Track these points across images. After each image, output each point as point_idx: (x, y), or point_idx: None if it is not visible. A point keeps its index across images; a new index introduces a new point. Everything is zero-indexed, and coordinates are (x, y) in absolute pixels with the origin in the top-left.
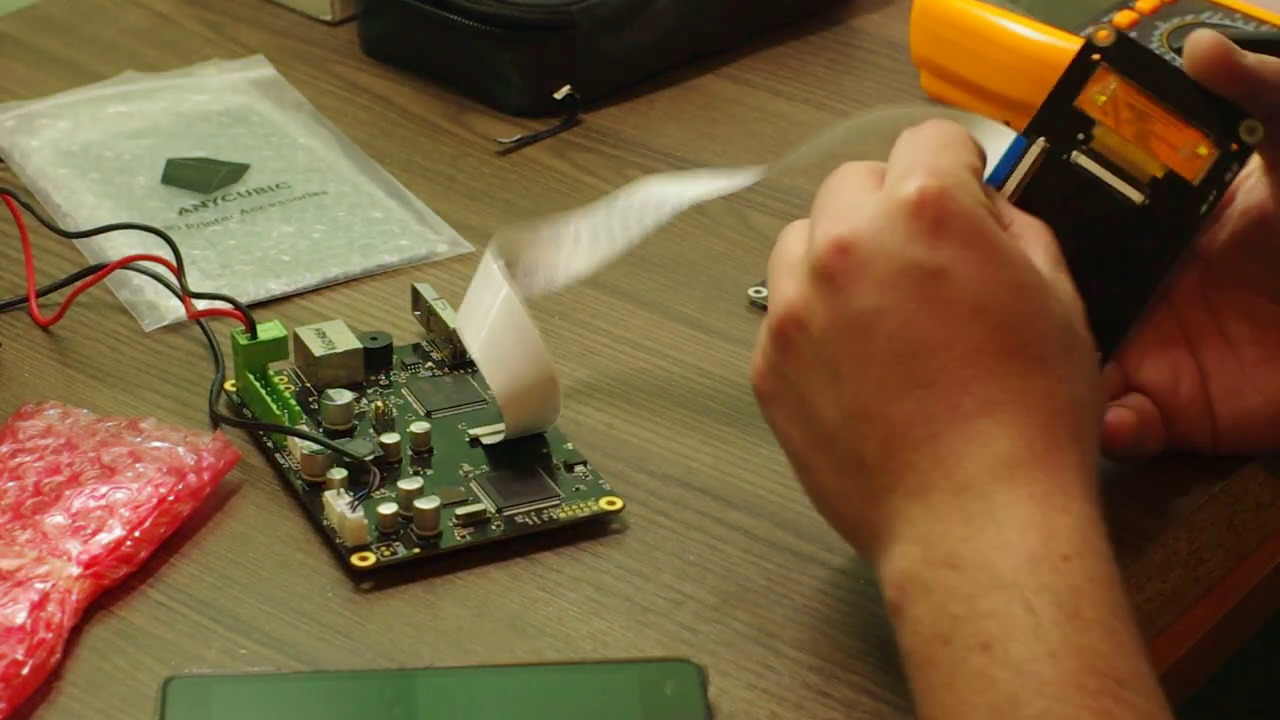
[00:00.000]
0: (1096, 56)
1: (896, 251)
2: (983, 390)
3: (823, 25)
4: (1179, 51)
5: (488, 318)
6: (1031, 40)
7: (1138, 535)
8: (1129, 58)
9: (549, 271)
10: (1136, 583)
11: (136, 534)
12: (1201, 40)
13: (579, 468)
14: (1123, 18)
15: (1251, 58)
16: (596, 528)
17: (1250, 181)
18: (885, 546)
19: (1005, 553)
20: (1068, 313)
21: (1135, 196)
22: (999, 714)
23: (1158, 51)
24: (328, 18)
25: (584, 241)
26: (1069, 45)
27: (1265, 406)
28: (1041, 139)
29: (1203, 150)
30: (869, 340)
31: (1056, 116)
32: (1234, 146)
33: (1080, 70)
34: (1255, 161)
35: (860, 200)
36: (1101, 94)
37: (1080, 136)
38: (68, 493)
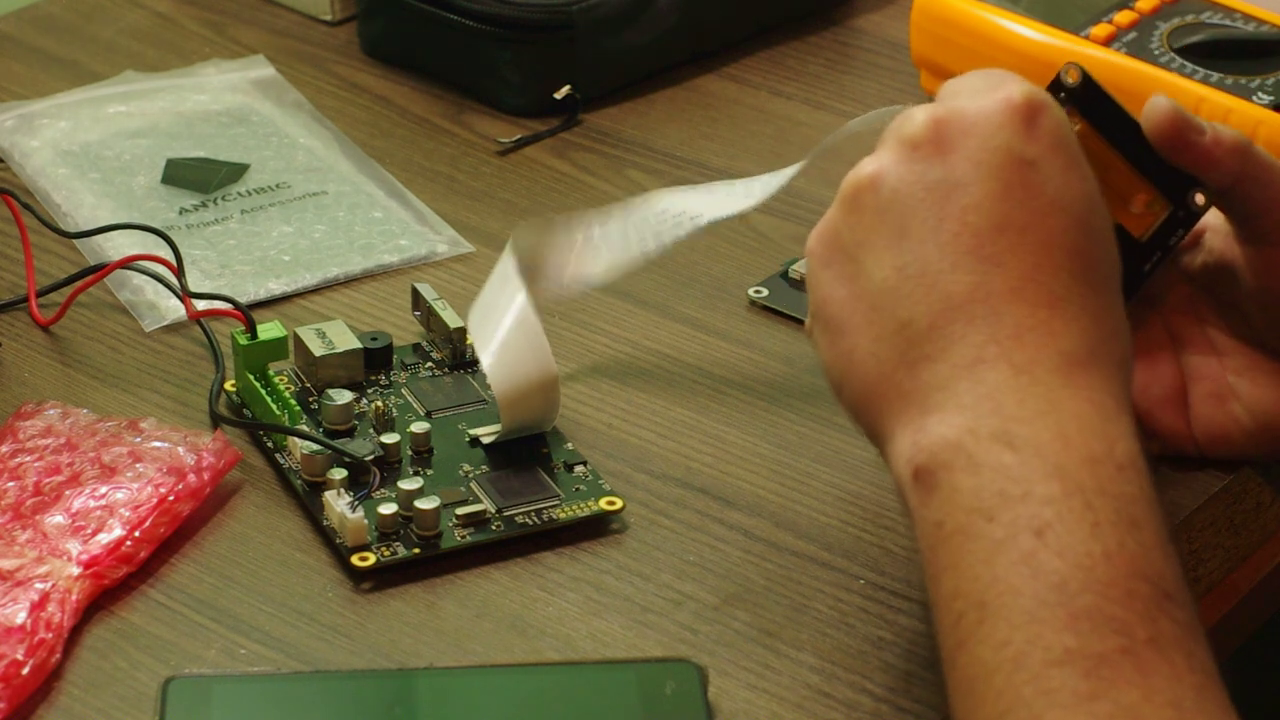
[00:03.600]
0: (1062, 95)
1: (990, 134)
2: (1051, 282)
3: (823, 25)
4: (1179, 51)
5: (502, 321)
6: (1031, 40)
7: None
8: (1094, 103)
9: (567, 277)
10: None
11: (136, 534)
12: (1158, 109)
13: (579, 468)
14: (1123, 18)
15: (1208, 134)
16: (596, 528)
17: (1217, 223)
18: (916, 415)
19: (1065, 446)
20: (1117, 254)
21: None
22: (1043, 602)
23: (1160, 54)
24: (328, 18)
25: (604, 252)
26: (1069, 45)
27: (1246, 414)
28: None
29: (1153, 208)
30: (944, 206)
31: None
32: (1181, 213)
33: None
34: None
35: (946, 100)
36: None
37: None
38: (68, 493)
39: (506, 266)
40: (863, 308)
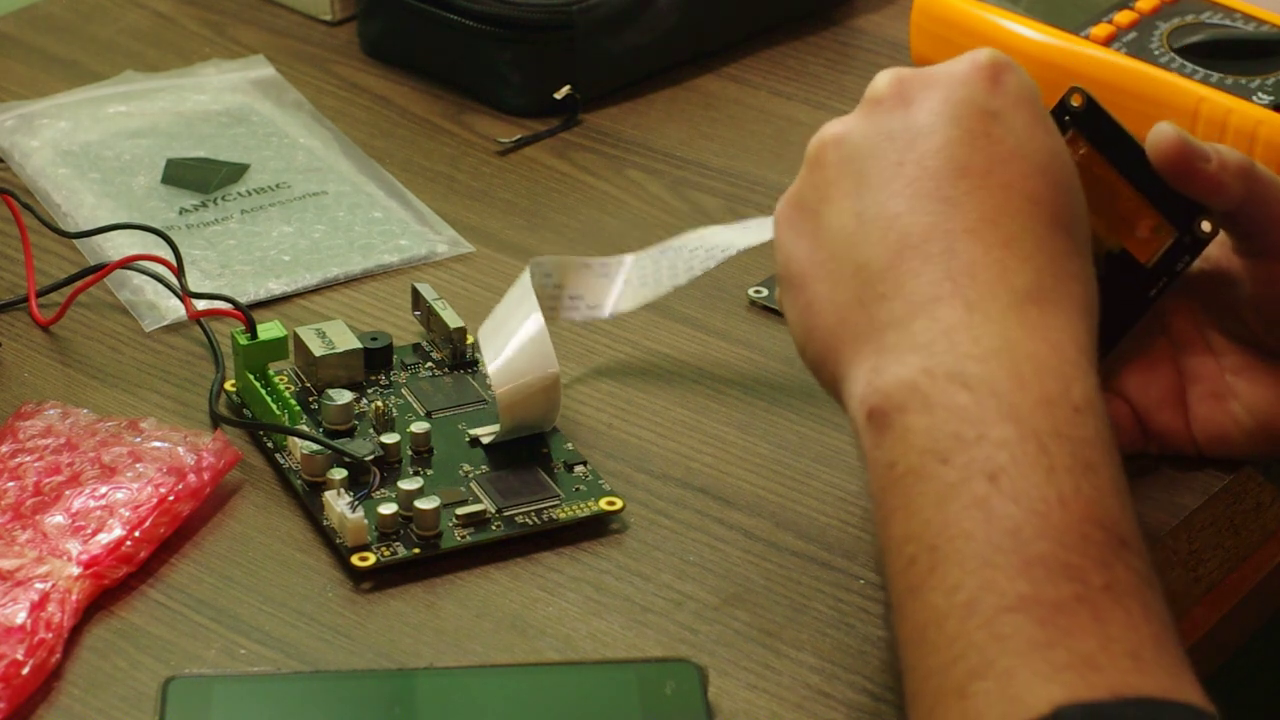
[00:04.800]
0: (1067, 118)
1: (955, 87)
2: (1009, 223)
3: (823, 25)
4: (1179, 51)
5: (514, 335)
6: (1031, 40)
7: None
8: (1099, 128)
9: (595, 303)
10: None
11: (136, 534)
12: (1163, 137)
13: (579, 468)
14: (1123, 18)
15: (1213, 161)
16: (596, 528)
17: (1221, 235)
18: (871, 356)
19: (1020, 387)
20: (1086, 216)
21: None
22: (996, 548)
23: (1160, 54)
24: (328, 18)
25: (634, 282)
26: (1069, 45)
27: (1245, 413)
28: None
29: (1160, 233)
30: (905, 152)
31: None
32: (1188, 239)
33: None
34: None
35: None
36: (1072, 155)
37: None
38: (68, 493)
39: (523, 289)
40: (822, 257)
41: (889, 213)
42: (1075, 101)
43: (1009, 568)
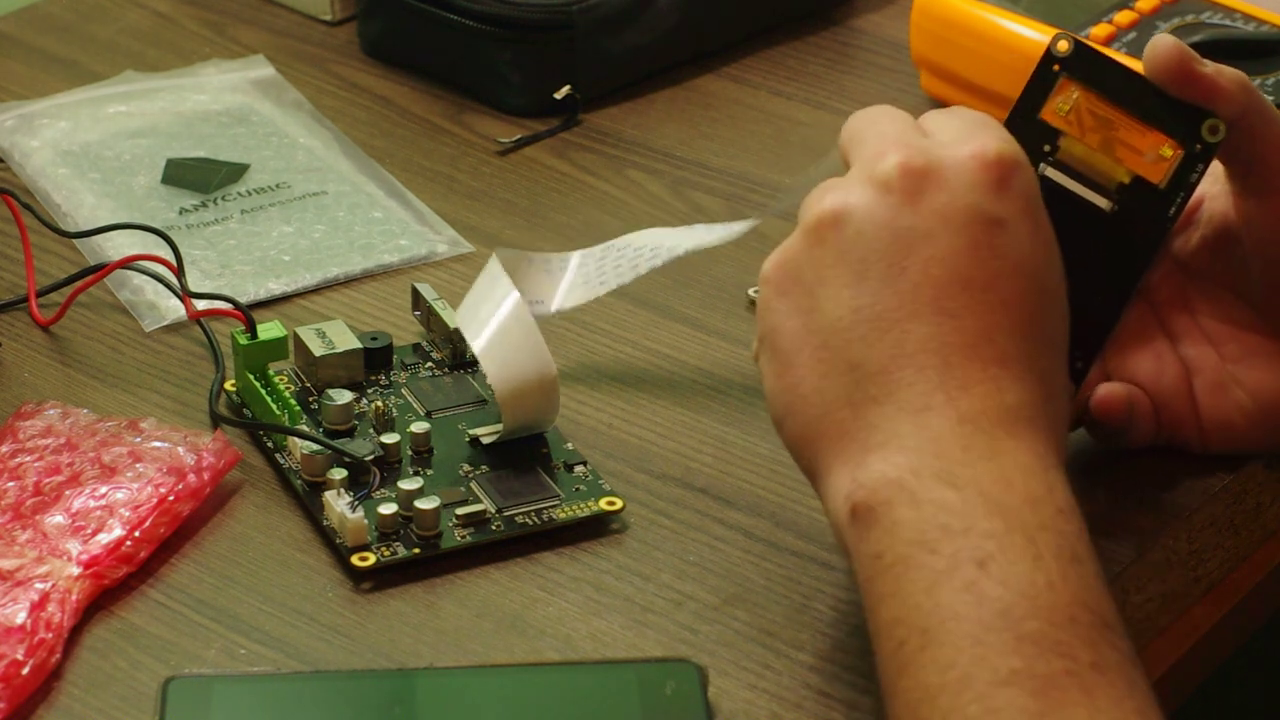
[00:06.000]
0: (1057, 67)
1: (962, 191)
2: (1005, 341)
3: (823, 25)
4: None
5: (493, 317)
6: (1032, 40)
7: (1138, 535)
8: (1089, 66)
9: (541, 299)
10: (1136, 583)
11: (136, 534)
12: (1161, 47)
13: (579, 468)
14: (1123, 17)
15: (1210, 66)
16: (596, 528)
17: (1215, 189)
18: (856, 453)
19: (1007, 488)
20: (1067, 321)
21: (1104, 204)
22: (988, 627)
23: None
24: (328, 18)
25: (578, 281)
26: None
27: (1249, 402)
28: None
29: (1167, 152)
30: (908, 255)
31: (1022, 130)
32: (1198, 147)
33: (1042, 82)
34: (1219, 169)
35: (922, 140)
36: (1065, 104)
37: (1046, 149)
38: (68, 493)
39: (495, 271)
40: (814, 343)
41: (888, 317)
42: (1061, 48)
43: (1001, 645)
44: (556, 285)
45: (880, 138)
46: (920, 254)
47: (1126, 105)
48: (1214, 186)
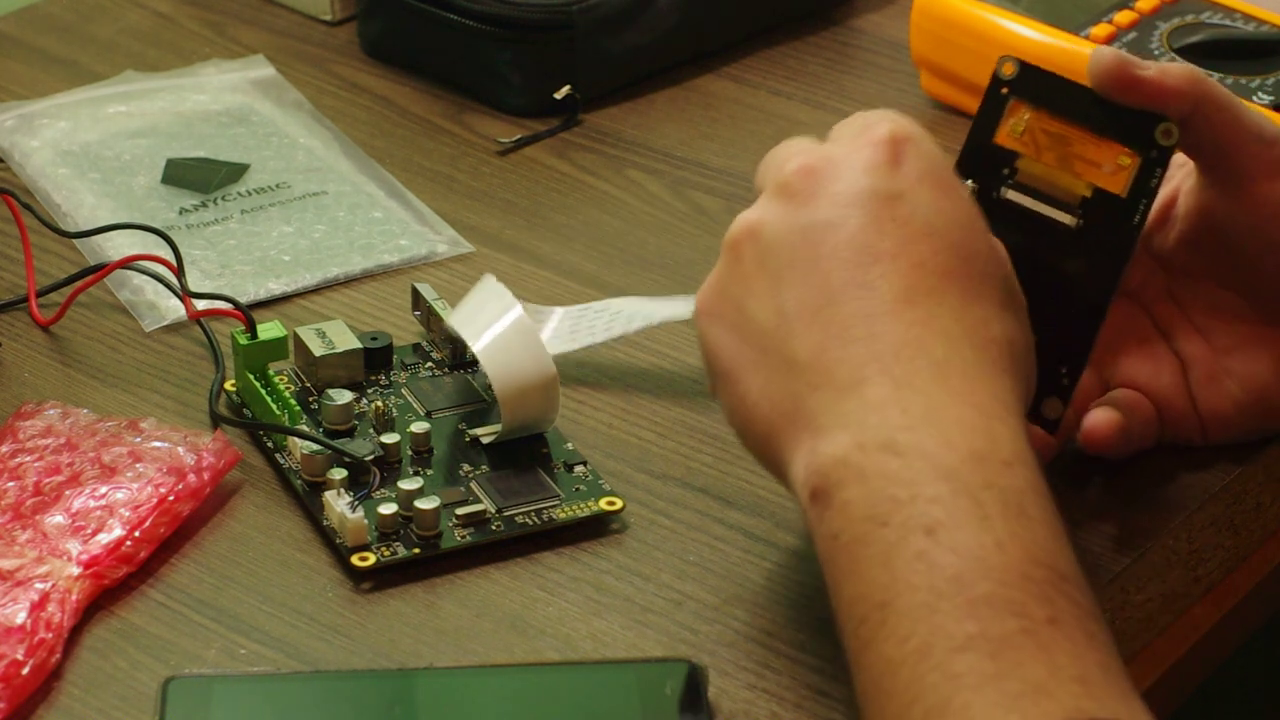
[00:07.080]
0: (1005, 90)
1: (858, 176)
2: (924, 302)
3: (823, 25)
4: (1179, 52)
5: (493, 318)
6: (1031, 40)
7: (1138, 535)
8: (1037, 86)
9: None
10: (1136, 583)
11: (136, 534)
12: (1101, 58)
13: (579, 468)
14: (1123, 18)
15: (1153, 69)
16: (596, 528)
17: (1189, 184)
18: (807, 440)
19: (948, 448)
20: (1009, 271)
21: (1068, 220)
22: (941, 594)
23: (1160, 54)
24: (328, 18)
25: (562, 333)
26: (1069, 45)
27: (1243, 392)
28: (970, 181)
29: (1125, 161)
30: (818, 247)
31: (979, 156)
32: (1153, 152)
33: (993, 106)
34: (1191, 164)
35: (820, 145)
36: (1018, 126)
37: (1005, 172)
38: (68, 493)
39: (491, 285)
40: (750, 352)
41: (810, 307)
42: (1007, 71)
43: (955, 611)
44: (541, 333)
45: (782, 155)
46: (828, 243)
47: (1079, 120)
48: (1186, 181)
